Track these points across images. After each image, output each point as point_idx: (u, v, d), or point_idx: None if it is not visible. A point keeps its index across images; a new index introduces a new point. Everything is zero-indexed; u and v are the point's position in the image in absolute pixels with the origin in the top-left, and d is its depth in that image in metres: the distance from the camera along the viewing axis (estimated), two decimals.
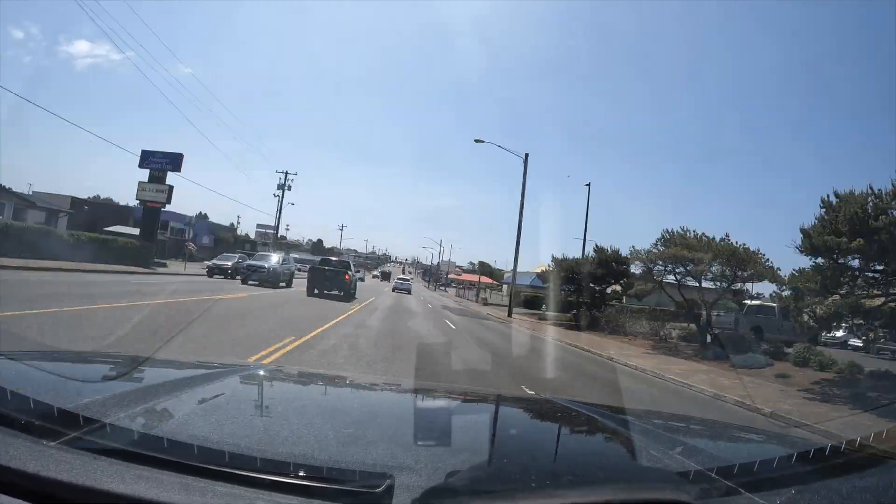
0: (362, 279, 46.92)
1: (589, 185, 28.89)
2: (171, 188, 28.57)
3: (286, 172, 43.99)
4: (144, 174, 27.99)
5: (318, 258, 32.07)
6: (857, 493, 1.01)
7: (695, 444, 1.44)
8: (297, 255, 43.98)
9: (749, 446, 1.71)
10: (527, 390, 6.54)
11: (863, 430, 6.51)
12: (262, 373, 1.99)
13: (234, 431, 1.16)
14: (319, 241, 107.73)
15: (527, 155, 27.73)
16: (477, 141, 27.92)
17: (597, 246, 24.25)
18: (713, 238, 17.27)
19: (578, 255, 26.18)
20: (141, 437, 0.95)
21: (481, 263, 79.62)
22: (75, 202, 39.40)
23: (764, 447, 1.69)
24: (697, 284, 17.81)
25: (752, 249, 16.40)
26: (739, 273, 16.76)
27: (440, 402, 1.98)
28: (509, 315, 26.11)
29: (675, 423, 2.12)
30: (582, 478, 1.13)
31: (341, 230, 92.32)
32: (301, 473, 0.86)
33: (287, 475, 0.85)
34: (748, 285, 21.53)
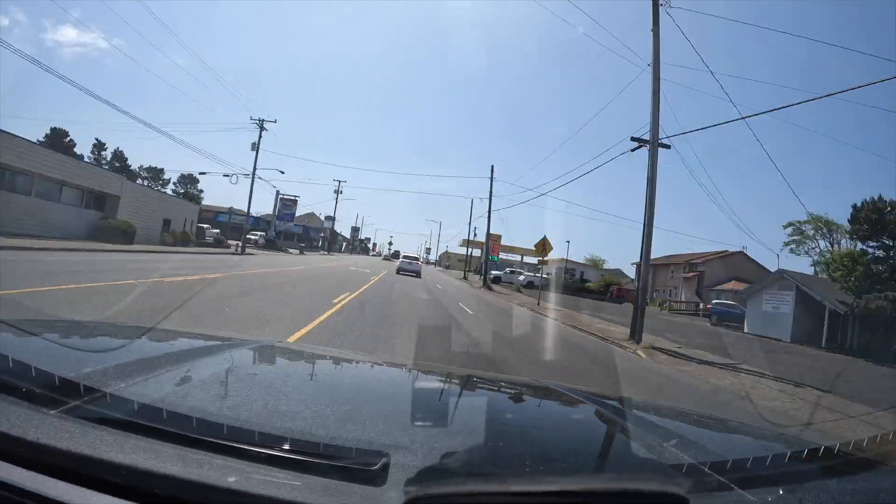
0: None
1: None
2: None
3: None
4: None
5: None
6: (848, 496, 1.02)
7: (690, 437, 1.45)
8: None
9: (744, 443, 1.72)
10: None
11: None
12: (263, 348, 1.99)
13: (234, 405, 1.17)
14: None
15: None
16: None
17: None
18: None
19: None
20: (141, 407, 0.95)
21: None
22: None
23: (759, 444, 1.69)
24: None
25: None
26: None
27: (438, 384, 2.00)
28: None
29: (671, 415, 2.13)
30: (575, 465, 1.14)
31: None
32: (298, 449, 0.87)
33: (284, 450, 0.86)
34: None
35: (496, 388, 2.11)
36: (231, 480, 0.76)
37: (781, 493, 0.98)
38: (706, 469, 1.04)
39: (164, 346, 1.80)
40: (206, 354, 1.67)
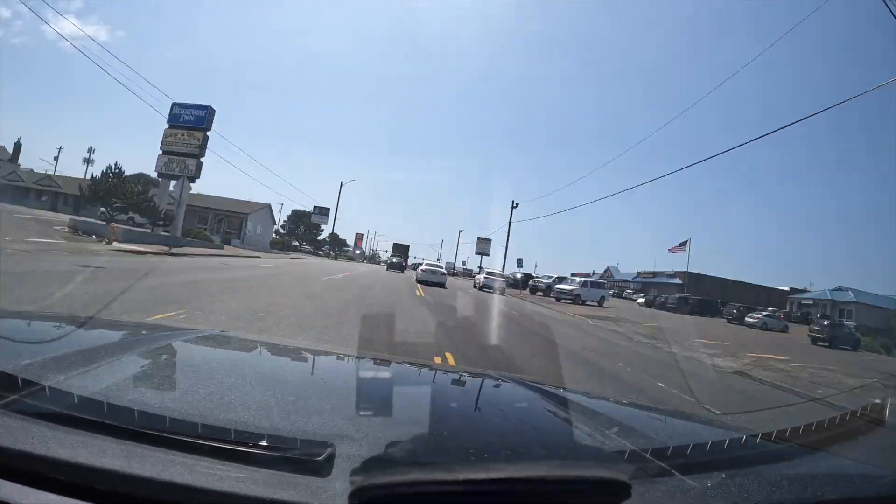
0: None
1: None
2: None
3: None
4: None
5: None
6: (785, 481, 1.06)
7: (631, 425, 1.49)
8: None
9: (684, 430, 1.78)
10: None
11: None
12: (207, 337, 1.94)
13: (176, 396, 1.15)
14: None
15: None
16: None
17: None
18: None
19: None
20: (81, 400, 0.93)
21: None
22: None
23: (698, 432, 1.76)
24: None
25: None
26: None
27: (383, 373, 2.00)
28: None
29: (613, 403, 2.19)
30: (520, 453, 1.16)
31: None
32: (242, 440, 0.86)
33: (228, 442, 0.85)
34: None
35: (442, 377, 2.12)
36: (174, 474, 0.75)
37: (724, 477, 1.02)
38: (647, 455, 1.07)
39: (105, 336, 1.73)
40: (148, 344, 1.62)
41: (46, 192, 49.53)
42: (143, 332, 1.94)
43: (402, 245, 58.69)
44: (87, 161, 54.76)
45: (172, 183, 27.86)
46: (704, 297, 43.99)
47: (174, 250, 20.79)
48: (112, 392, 1.06)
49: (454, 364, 6.59)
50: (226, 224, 48.20)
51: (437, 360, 6.62)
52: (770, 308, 41.99)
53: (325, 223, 61.84)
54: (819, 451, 1.48)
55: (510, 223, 39.52)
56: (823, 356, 18.97)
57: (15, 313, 2.25)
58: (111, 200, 29.22)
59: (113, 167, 29.87)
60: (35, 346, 1.34)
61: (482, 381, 2.14)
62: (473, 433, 1.29)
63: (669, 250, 48.14)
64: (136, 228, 28.09)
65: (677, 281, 55.38)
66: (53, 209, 42.40)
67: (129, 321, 2.65)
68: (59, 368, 1.09)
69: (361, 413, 1.26)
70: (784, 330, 35.06)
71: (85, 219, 26.52)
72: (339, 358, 2.36)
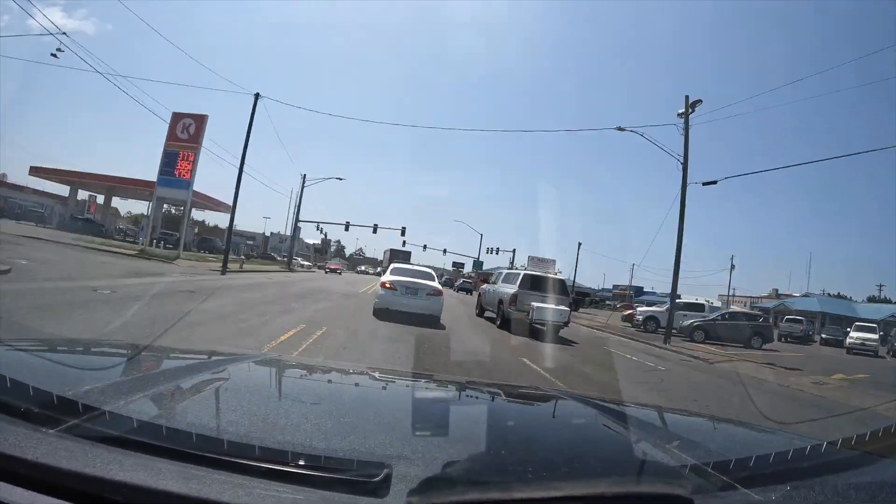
0: None
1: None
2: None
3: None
4: None
5: None
6: (853, 490, 1.02)
7: (692, 438, 1.44)
8: None
9: (746, 441, 1.72)
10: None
11: None
12: (262, 362, 1.99)
13: (233, 420, 1.17)
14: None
15: None
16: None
17: None
18: None
19: None
20: (140, 424, 0.95)
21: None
22: None
23: (760, 442, 1.69)
24: None
25: None
26: None
27: (438, 393, 1.99)
28: None
29: (672, 416, 2.12)
30: (579, 470, 1.14)
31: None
32: (299, 462, 0.87)
33: (285, 464, 0.86)
34: None
35: (496, 395, 2.10)
36: (232, 496, 0.76)
37: (788, 489, 0.98)
38: (709, 469, 1.04)
39: (163, 362, 1.80)
40: (204, 370, 1.66)
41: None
42: (200, 357, 2.00)
43: (401, 251, 49.14)
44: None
45: None
46: None
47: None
48: (170, 416, 1.10)
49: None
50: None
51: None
52: None
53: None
54: (886, 458, 1.40)
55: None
56: None
57: (76, 341, 2.35)
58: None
59: None
60: (96, 373, 1.40)
61: (539, 398, 2.12)
62: (531, 451, 1.26)
63: None
64: None
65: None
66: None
67: (187, 348, 2.75)
68: (119, 394, 1.13)
69: (417, 433, 1.26)
70: None
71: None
72: (393, 378, 2.38)
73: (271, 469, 0.84)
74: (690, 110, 18.54)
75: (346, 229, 52.51)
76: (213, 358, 1.92)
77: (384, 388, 2.05)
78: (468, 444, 1.25)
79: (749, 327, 21.50)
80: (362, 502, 0.79)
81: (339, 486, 0.82)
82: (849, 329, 29.48)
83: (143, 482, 0.76)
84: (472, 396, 2.02)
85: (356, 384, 2.01)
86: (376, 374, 2.41)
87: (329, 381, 2.00)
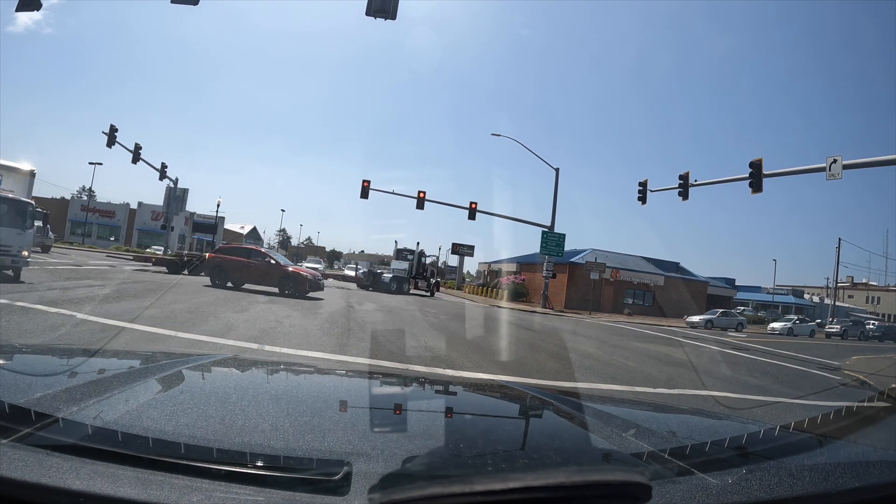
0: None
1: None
2: None
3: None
4: None
5: None
6: (807, 472, 1.05)
7: (648, 426, 1.48)
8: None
9: (701, 428, 1.77)
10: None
11: None
12: (218, 362, 1.95)
13: (190, 422, 1.15)
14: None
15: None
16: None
17: None
18: None
19: None
20: (95, 431, 0.93)
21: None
22: None
23: (716, 428, 1.74)
24: None
25: None
26: None
27: (398, 388, 2.00)
28: None
29: (627, 404, 2.18)
30: (537, 461, 1.16)
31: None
32: (258, 463, 0.86)
33: (244, 465, 0.85)
34: None
35: (455, 389, 2.12)
36: (192, 500, 0.75)
37: (744, 472, 1.01)
38: (666, 455, 1.06)
39: (118, 365, 1.74)
40: (159, 372, 1.62)
41: None
42: (156, 359, 1.95)
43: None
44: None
45: None
46: None
47: None
48: (126, 421, 1.07)
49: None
50: None
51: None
52: None
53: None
54: (837, 439, 1.46)
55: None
56: None
57: (27, 347, 2.27)
58: None
59: None
60: (48, 379, 1.35)
61: (495, 390, 2.14)
62: (490, 444, 1.28)
63: None
64: None
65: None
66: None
67: (140, 351, 2.67)
68: (72, 400, 1.10)
69: (376, 429, 1.26)
70: None
71: None
72: (351, 374, 2.37)
73: (231, 471, 0.83)
74: None
75: None
76: (170, 360, 1.88)
77: (343, 384, 2.05)
78: (428, 438, 1.26)
79: None
80: (323, 501, 0.79)
81: (300, 486, 0.82)
82: None
83: (101, 490, 0.74)
84: (430, 390, 2.03)
85: (314, 382, 2.00)
86: (335, 371, 2.40)
87: (287, 380, 1.99)
